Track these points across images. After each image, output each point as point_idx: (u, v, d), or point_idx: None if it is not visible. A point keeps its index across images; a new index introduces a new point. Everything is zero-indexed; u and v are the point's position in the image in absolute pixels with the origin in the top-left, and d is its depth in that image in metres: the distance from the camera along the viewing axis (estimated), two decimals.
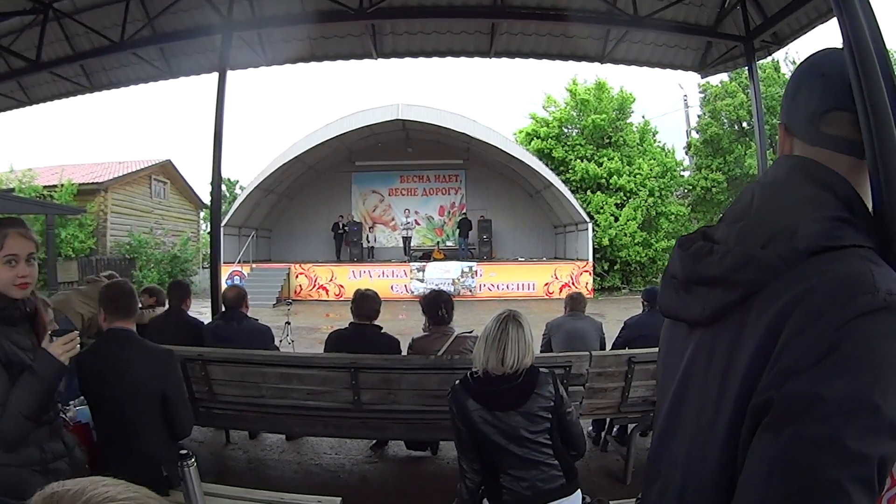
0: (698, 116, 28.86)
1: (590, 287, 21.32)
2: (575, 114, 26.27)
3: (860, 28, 1.52)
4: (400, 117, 21.50)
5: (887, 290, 0.89)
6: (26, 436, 2.26)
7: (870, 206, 1.13)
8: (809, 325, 0.90)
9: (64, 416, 3.37)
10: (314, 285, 22.15)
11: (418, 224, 26.71)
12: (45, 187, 23.40)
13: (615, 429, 5.64)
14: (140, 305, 4.16)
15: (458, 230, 25.14)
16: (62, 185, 23.37)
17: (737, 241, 1.10)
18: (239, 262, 22.07)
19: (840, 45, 1.46)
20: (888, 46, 1.52)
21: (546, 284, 21.76)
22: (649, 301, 5.84)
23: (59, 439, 2.46)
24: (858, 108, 1.14)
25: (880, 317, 0.87)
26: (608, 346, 5.97)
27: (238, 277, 20.61)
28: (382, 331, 4.92)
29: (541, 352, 5.65)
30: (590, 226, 22.00)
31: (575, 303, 6.24)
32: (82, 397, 3.43)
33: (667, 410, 1.24)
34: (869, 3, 1.68)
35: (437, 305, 4.60)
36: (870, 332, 0.87)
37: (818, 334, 0.89)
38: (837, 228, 1.00)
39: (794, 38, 8.32)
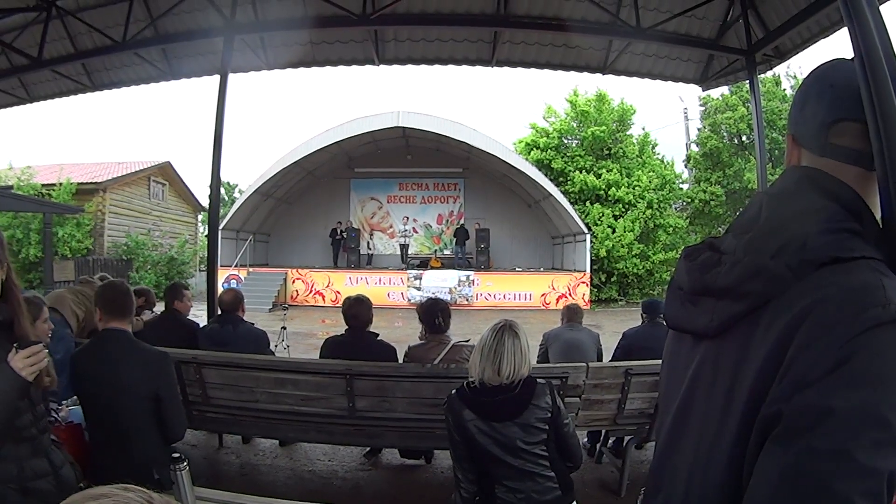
0: (698, 129, 29.03)
1: (587, 298, 21.28)
2: (575, 125, 26.36)
3: (871, 39, 1.51)
4: (400, 125, 21.49)
5: None
6: None
7: (878, 217, 1.11)
8: (819, 337, 0.89)
9: (56, 415, 3.35)
10: (311, 291, 22.10)
11: (416, 232, 26.64)
12: (43, 185, 23.41)
13: (610, 441, 5.62)
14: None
15: (454, 238, 25.09)
16: (61, 184, 23.36)
17: (745, 251, 1.08)
18: (236, 266, 22.01)
19: (847, 56, 1.45)
20: None
21: (543, 295, 21.72)
22: (649, 313, 5.80)
23: (44, 457, 2.32)
24: (868, 118, 1.13)
25: (891, 329, 0.86)
26: (606, 357, 5.94)
27: (235, 281, 20.58)
28: (379, 338, 4.90)
29: (537, 362, 5.63)
30: (588, 237, 21.96)
31: (572, 314, 6.21)
32: (75, 397, 3.40)
33: (670, 423, 1.22)
34: (880, 14, 1.67)
35: (434, 314, 4.57)
36: (880, 344, 0.86)
37: (828, 346, 0.88)
38: (847, 240, 0.99)
39: (796, 53, 8.36)
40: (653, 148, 27.10)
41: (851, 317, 0.88)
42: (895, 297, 0.89)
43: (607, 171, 24.65)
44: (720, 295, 1.10)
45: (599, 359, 5.84)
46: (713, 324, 1.10)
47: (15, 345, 2.14)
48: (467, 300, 21.44)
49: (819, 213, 1.04)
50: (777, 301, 0.99)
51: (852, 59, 1.31)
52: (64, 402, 3.64)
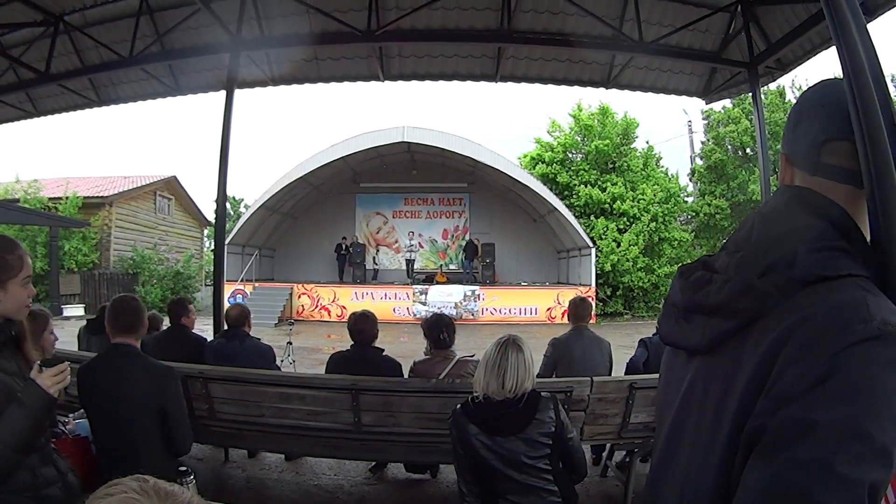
0: (702, 142, 28.99)
1: (592, 312, 21.17)
2: (579, 139, 26.38)
3: (859, 58, 1.54)
4: (405, 139, 21.57)
5: (881, 319, 0.90)
6: (15, 468, 2.17)
7: (868, 235, 1.14)
8: (804, 353, 0.92)
9: (63, 428, 3.38)
10: (316, 306, 22.09)
11: (422, 247, 26.63)
12: (50, 199, 23.60)
13: (616, 454, 5.58)
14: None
15: (462, 253, 25.06)
16: (67, 198, 23.56)
17: (736, 270, 1.12)
18: (242, 281, 22.01)
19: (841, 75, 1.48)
20: (886, 76, 1.53)
21: (548, 309, 21.61)
22: None
23: (52, 464, 2.39)
24: (856, 137, 1.16)
25: (874, 345, 0.88)
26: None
27: (241, 296, 20.57)
28: (384, 353, 4.91)
29: (542, 368, 5.52)
30: (593, 251, 21.95)
31: (579, 314, 5.62)
32: (82, 410, 3.42)
33: (665, 437, 1.25)
34: (868, 33, 1.70)
35: (439, 329, 4.58)
36: (863, 360, 0.88)
37: (813, 362, 0.90)
38: (834, 258, 1.02)
39: (798, 64, 8.37)
40: (657, 161, 27.12)
41: (835, 333, 0.90)
42: (878, 314, 0.91)
43: (612, 185, 24.64)
44: (711, 312, 1.13)
45: (609, 373, 5.66)
46: (704, 340, 1.13)
47: (38, 363, 2.27)
48: (473, 315, 21.39)
49: (808, 231, 1.06)
50: (765, 319, 1.01)
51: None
52: (71, 415, 3.67)
